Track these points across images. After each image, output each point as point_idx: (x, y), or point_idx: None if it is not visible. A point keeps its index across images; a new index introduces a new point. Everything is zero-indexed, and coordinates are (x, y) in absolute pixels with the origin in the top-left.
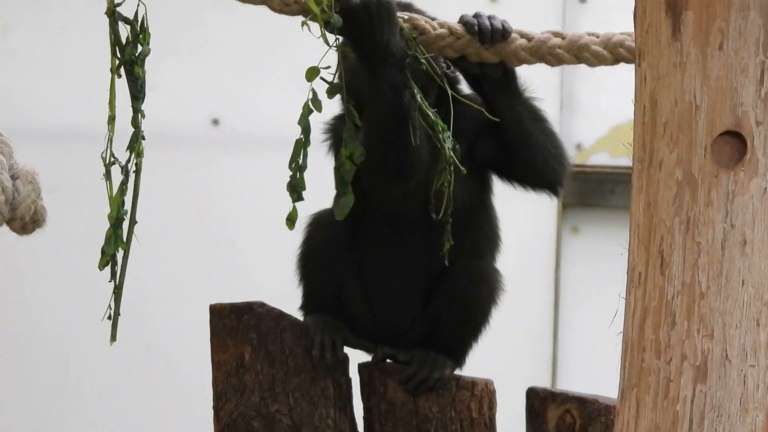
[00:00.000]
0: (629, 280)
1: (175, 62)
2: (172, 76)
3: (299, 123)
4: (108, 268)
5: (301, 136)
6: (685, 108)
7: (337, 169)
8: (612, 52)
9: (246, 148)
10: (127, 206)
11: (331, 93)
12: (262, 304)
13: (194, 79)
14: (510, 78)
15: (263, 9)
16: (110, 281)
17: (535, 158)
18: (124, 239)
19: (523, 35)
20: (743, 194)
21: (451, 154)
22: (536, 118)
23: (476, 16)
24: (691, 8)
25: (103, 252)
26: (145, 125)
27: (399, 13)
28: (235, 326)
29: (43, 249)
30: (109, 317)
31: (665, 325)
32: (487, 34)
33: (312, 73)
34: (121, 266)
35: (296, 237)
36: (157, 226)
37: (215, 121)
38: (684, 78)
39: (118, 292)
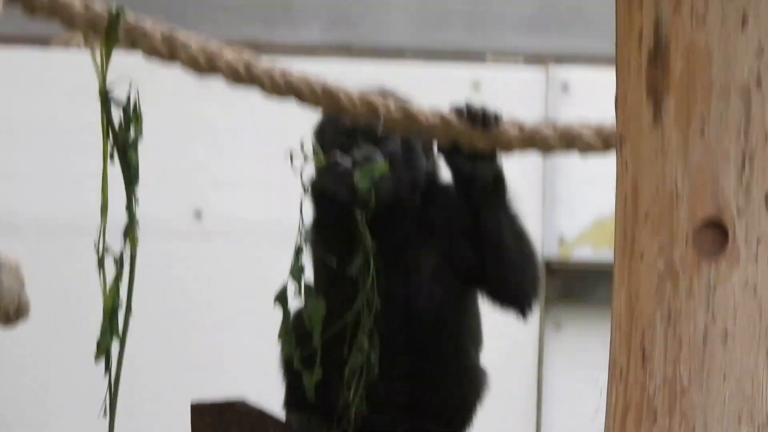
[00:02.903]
0: (610, 375)
1: (157, 153)
2: (153, 168)
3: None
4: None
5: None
6: (666, 196)
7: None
8: (604, 141)
9: (228, 240)
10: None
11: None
12: (243, 402)
13: (176, 171)
14: (499, 185)
15: (244, 100)
16: (105, 374)
17: (507, 277)
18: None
19: (515, 123)
20: (725, 285)
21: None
22: (517, 234)
23: (467, 103)
24: (673, 93)
25: (98, 345)
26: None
27: (392, 101)
28: (216, 424)
29: (27, 339)
30: (105, 413)
31: (647, 421)
32: (478, 118)
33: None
34: (118, 358)
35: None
36: (139, 318)
37: (197, 213)
38: (665, 164)
39: (115, 385)
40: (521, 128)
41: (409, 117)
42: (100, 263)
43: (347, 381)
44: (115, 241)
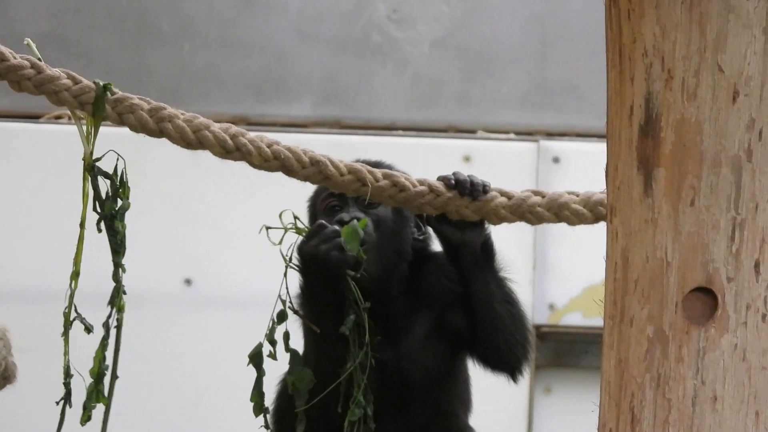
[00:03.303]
0: None
1: (147, 222)
2: (144, 236)
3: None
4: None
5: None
6: (656, 264)
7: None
8: (592, 211)
9: (218, 309)
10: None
11: (280, 319)
12: None
13: (167, 239)
14: (488, 252)
15: (237, 171)
16: None
17: (498, 342)
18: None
19: (503, 193)
20: (714, 351)
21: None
22: (507, 299)
23: (454, 173)
24: (663, 165)
25: (84, 407)
26: None
27: (378, 170)
28: None
29: (13, 407)
30: None
31: None
32: (466, 187)
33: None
34: (103, 421)
35: (270, 396)
36: (129, 385)
37: (188, 281)
38: (656, 234)
39: None
40: (509, 196)
41: (396, 185)
42: (66, 331)
43: None
44: (104, 307)
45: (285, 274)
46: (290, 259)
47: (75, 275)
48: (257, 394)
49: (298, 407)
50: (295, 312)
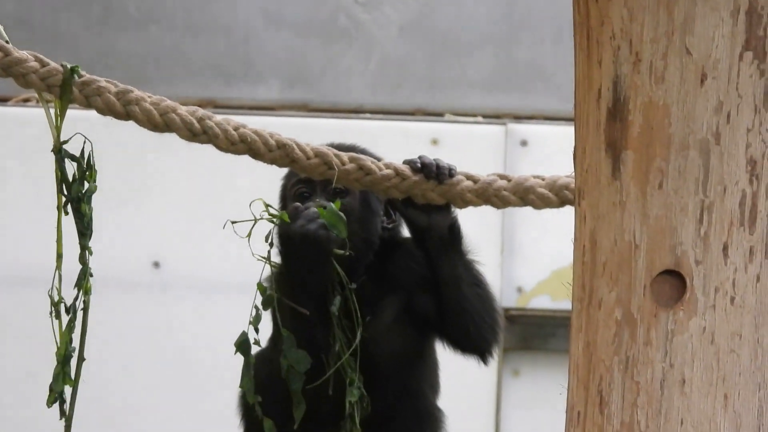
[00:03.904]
0: (568, 420)
1: (115, 205)
2: (112, 219)
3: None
4: (56, 406)
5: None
6: (624, 247)
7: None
8: (558, 195)
9: (186, 291)
10: (75, 344)
11: (266, 306)
12: None
13: (134, 222)
14: (455, 235)
15: (204, 153)
16: (60, 419)
17: (467, 325)
18: (72, 376)
19: (468, 177)
20: (683, 333)
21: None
22: (475, 282)
23: (420, 157)
24: (631, 148)
25: (51, 389)
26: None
27: (344, 154)
28: None
29: None
30: None
31: None
32: (432, 170)
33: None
34: (70, 404)
35: (237, 378)
36: (97, 368)
37: (156, 264)
38: (624, 217)
39: (67, 429)
40: (474, 180)
41: (362, 169)
42: (56, 312)
43: (348, 414)
44: (71, 291)
45: (269, 258)
46: (271, 245)
47: (59, 257)
48: (248, 381)
49: (294, 390)
50: (278, 297)
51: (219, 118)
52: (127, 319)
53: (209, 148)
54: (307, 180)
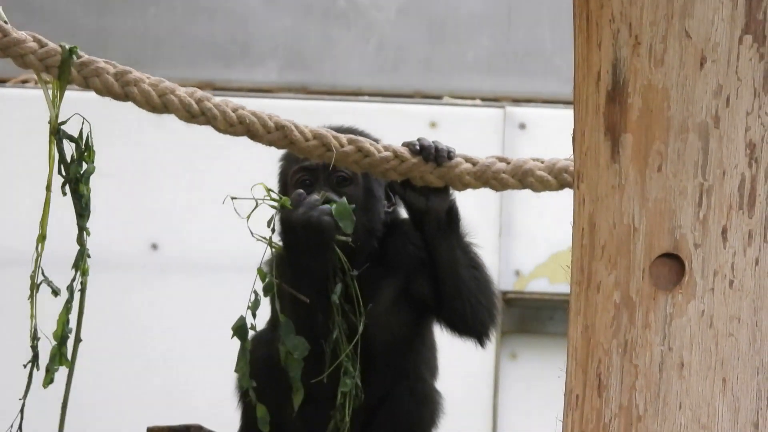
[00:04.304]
0: (566, 403)
1: (114, 187)
2: (111, 201)
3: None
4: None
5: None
6: (623, 230)
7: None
8: (557, 178)
9: (184, 273)
10: (72, 324)
11: (266, 292)
12: (199, 427)
13: (133, 204)
14: (453, 218)
15: (202, 135)
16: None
17: (464, 308)
18: (69, 357)
19: (467, 159)
20: (681, 317)
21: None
22: (473, 264)
23: (419, 139)
24: (630, 131)
25: (47, 369)
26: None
27: (343, 135)
28: None
29: None
30: None
31: None
32: (430, 153)
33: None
34: (66, 384)
35: (233, 361)
36: (95, 349)
37: (154, 246)
38: (623, 200)
39: (63, 410)
40: (473, 162)
41: (361, 151)
42: (33, 294)
43: (339, 405)
44: (69, 271)
45: (270, 242)
46: (273, 230)
47: (41, 238)
48: (243, 365)
49: (293, 377)
50: (278, 283)
51: (217, 99)
52: (125, 300)
53: (208, 130)
54: (308, 167)
